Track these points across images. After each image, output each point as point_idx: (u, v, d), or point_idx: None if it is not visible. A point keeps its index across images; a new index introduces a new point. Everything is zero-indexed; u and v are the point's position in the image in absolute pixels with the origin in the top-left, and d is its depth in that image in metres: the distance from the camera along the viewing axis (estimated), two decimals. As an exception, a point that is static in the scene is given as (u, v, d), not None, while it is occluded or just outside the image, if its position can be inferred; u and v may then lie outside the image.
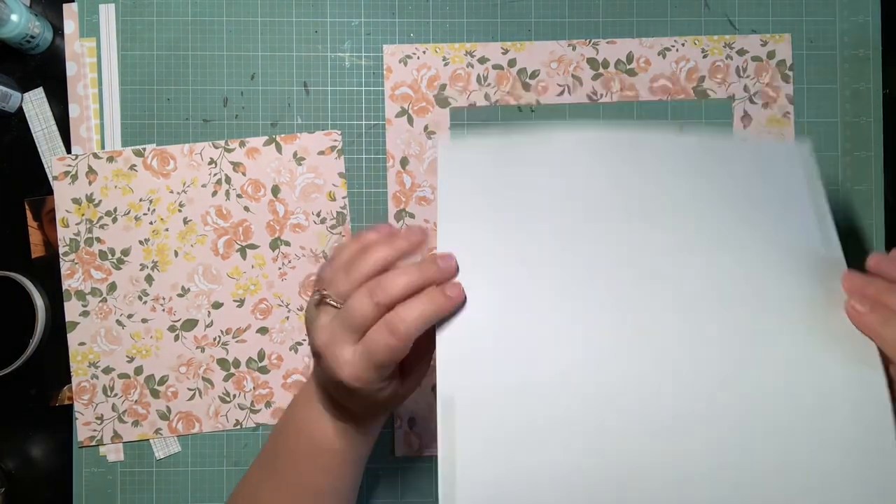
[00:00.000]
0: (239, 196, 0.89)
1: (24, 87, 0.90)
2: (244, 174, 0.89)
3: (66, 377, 0.89)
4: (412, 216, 0.90)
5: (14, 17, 0.84)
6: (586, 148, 0.69)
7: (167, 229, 0.89)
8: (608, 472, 0.59)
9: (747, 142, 0.75)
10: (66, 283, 0.88)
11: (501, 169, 0.68)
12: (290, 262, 0.89)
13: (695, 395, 0.60)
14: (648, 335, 0.62)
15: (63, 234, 0.88)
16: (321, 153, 0.89)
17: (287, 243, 0.89)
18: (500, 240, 0.65)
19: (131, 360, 0.88)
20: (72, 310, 0.88)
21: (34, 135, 0.90)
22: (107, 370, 0.88)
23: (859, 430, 0.60)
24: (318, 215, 0.89)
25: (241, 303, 0.89)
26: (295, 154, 0.89)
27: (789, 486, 0.59)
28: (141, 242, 0.89)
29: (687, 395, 0.60)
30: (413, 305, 0.59)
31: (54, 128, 0.90)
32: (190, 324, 0.89)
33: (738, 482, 0.59)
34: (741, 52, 0.91)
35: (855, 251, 0.90)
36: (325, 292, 0.62)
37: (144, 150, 0.89)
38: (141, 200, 0.89)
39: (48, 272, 0.89)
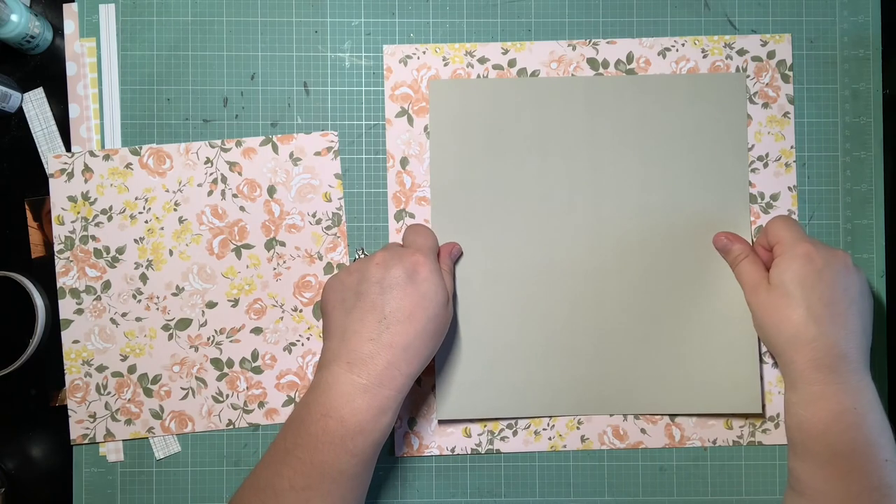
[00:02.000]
0: (234, 196, 0.89)
1: (24, 87, 0.90)
2: (240, 174, 0.89)
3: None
4: (412, 216, 0.90)
5: (14, 17, 0.84)
6: (554, 89, 0.91)
7: (162, 228, 0.89)
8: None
9: (686, 76, 0.92)
10: (61, 281, 0.88)
11: (484, 104, 0.91)
12: (284, 262, 0.89)
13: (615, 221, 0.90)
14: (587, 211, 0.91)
15: (58, 232, 0.89)
16: (317, 154, 0.89)
17: (282, 244, 0.89)
18: (482, 167, 0.91)
19: (125, 358, 0.89)
20: (66, 307, 0.89)
21: (34, 135, 0.90)
22: (100, 368, 0.88)
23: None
24: (314, 216, 0.89)
25: (235, 303, 0.89)
26: (291, 154, 0.89)
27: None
28: (136, 241, 0.89)
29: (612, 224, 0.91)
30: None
31: (54, 128, 0.90)
32: (184, 323, 0.89)
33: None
34: (741, 52, 0.90)
35: (855, 251, 0.90)
36: None
37: (140, 148, 0.89)
38: (136, 199, 0.89)
39: (48, 272, 0.89)
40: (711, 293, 0.89)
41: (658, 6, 0.91)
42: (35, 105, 0.90)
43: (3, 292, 0.88)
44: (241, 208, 0.89)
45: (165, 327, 0.88)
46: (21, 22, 0.84)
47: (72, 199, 0.88)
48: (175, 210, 0.89)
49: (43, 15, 0.89)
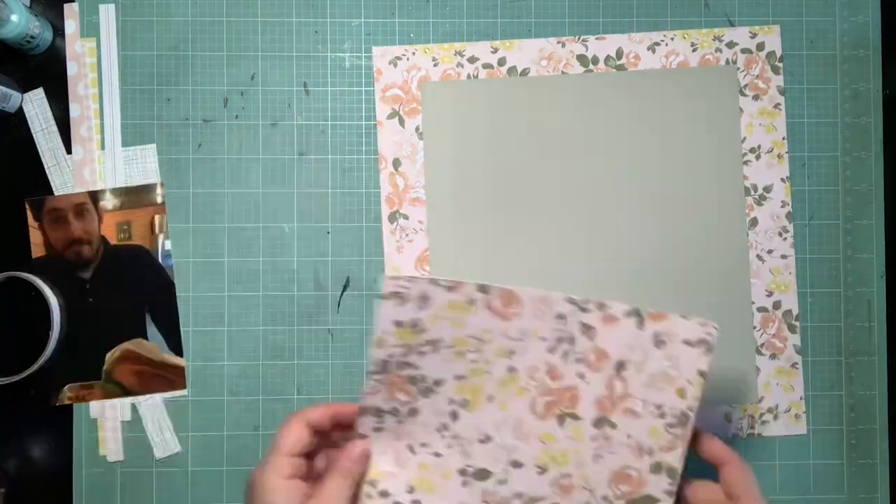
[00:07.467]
0: (578, 360, 0.75)
1: (25, 87, 0.90)
2: (591, 339, 0.75)
3: (66, 377, 0.89)
4: (406, 217, 0.91)
5: (14, 17, 0.84)
6: (545, 88, 0.92)
7: (489, 372, 0.76)
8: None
9: (677, 70, 0.92)
10: (367, 401, 0.76)
11: (476, 105, 0.91)
12: (610, 445, 0.76)
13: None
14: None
15: (377, 355, 0.75)
16: (687, 343, 0.74)
17: (613, 425, 0.75)
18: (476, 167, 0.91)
19: (411, 490, 0.77)
20: (364, 425, 0.76)
21: (34, 135, 0.90)
22: (383, 493, 0.77)
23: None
24: (659, 408, 0.75)
25: (542, 471, 0.77)
26: (656, 334, 0.75)
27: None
28: (456, 378, 0.77)
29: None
30: None
31: (54, 128, 0.90)
32: (483, 474, 0.77)
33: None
34: (730, 45, 0.91)
35: (855, 251, 0.90)
36: None
37: (489, 287, 0.75)
38: (470, 337, 0.76)
39: (48, 272, 0.89)
40: (709, 288, 0.90)
41: (658, 6, 0.91)
42: (35, 105, 0.90)
43: (7, 292, 0.88)
44: (580, 375, 0.76)
45: (462, 472, 0.77)
46: (21, 22, 0.84)
47: (398, 323, 0.75)
48: (508, 358, 0.76)
49: (43, 15, 0.89)
